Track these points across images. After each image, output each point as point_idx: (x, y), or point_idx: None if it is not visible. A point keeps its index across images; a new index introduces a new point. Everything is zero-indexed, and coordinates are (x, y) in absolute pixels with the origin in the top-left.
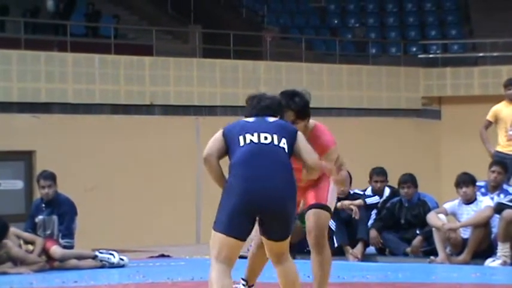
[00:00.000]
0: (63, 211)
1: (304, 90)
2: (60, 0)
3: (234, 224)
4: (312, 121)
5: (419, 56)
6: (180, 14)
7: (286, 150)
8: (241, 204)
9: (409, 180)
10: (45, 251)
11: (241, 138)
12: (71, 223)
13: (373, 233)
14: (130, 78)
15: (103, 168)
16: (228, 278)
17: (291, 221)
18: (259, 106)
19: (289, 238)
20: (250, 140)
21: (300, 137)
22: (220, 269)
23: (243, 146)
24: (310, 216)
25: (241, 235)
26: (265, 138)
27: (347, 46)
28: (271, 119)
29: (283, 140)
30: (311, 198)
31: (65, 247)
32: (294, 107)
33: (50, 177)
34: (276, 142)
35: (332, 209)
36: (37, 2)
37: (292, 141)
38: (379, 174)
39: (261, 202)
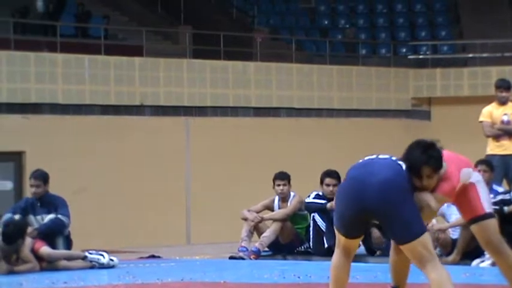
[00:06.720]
0: (58, 203)
1: (435, 140)
2: (49, 1)
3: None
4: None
5: (409, 57)
6: (170, 15)
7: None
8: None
9: None
10: (34, 252)
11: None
12: (67, 208)
13: (375, 232)
14: (120, 79)
15: (93, 169)
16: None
17: (406, 222)
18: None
19: (419, 241)
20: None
21: None
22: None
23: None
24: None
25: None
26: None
27: (337, 47)
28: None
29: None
30: (467, 213)
31: (58, 220)
32: (433, 163)
33: (41, 177)
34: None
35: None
36: (26, 2)
37: None
38: None
39: (363, 199)
